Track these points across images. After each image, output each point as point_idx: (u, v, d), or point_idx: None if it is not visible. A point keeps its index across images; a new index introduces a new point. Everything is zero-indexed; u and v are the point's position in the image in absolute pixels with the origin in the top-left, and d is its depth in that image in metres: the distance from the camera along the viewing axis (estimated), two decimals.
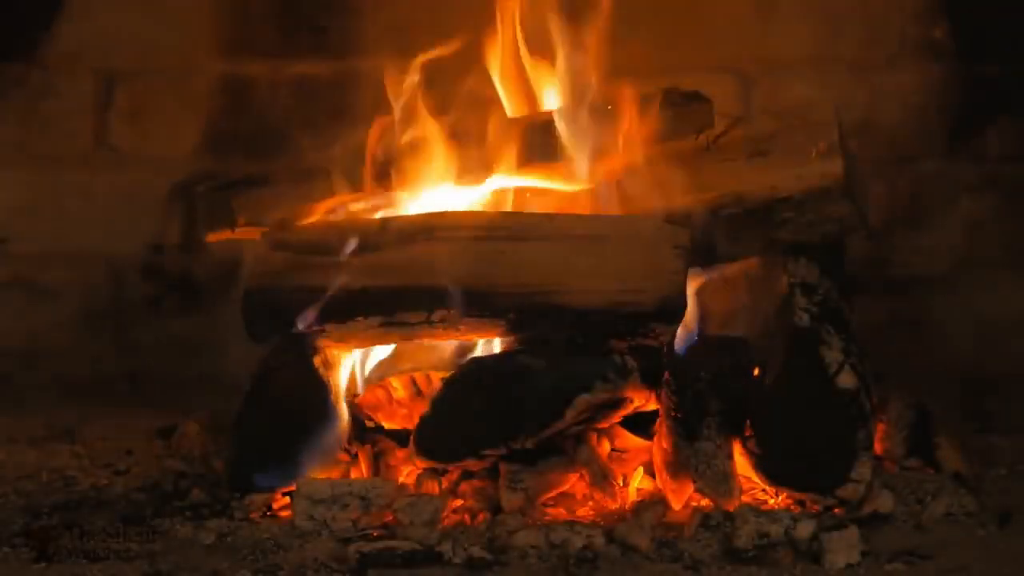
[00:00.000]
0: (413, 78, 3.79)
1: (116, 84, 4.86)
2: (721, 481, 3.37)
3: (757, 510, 3.28)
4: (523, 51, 3.88)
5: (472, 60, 3.89)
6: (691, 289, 3.54)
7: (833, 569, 3.09)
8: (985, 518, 3.36)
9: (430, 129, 3.80)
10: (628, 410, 3.48)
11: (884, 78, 4.79)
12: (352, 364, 3.71)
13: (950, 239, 4.83)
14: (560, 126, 3.74)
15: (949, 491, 3.43)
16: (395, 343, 3.63)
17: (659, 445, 3.45)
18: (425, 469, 3.44)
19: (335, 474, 3.46)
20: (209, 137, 4.83)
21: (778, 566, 3.12)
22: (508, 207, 3.79)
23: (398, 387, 3.62)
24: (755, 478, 3.45)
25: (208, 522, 3.36)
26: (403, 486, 3.42)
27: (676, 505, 3.39)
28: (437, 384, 3.50)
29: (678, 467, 3.40)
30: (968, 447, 3.75)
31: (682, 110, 3.75)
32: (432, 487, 3.42)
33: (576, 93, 3.84)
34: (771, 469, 3.41)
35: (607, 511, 3.41)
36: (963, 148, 4.82)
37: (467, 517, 3.36)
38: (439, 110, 3.86)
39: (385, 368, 3.69)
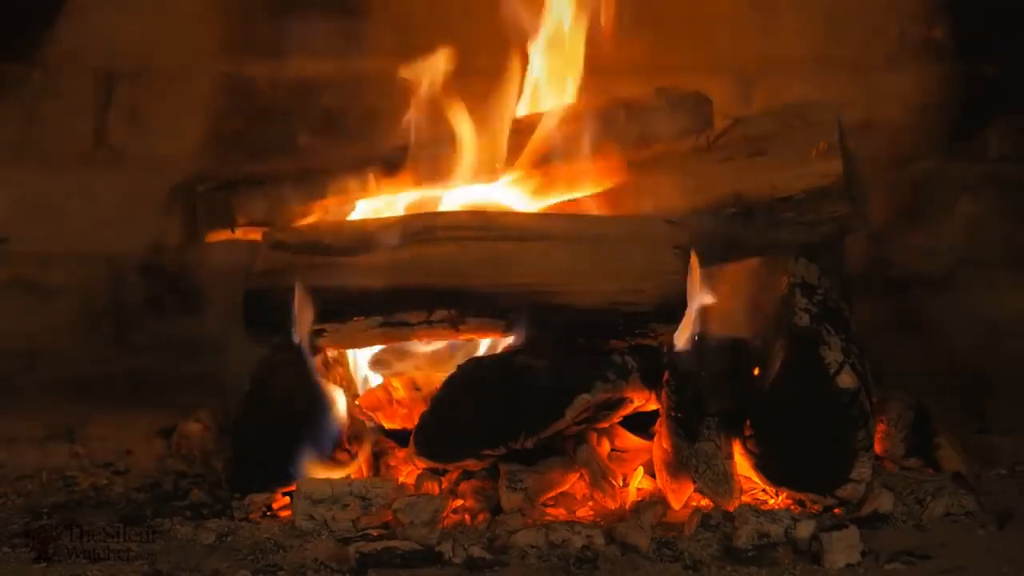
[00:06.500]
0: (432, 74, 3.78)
1: (116, 84, 4.85)
2: (721, 481, 3.37)
3: (757, 510, 3.28)
4: (527, 53, 3.89)
5: (477, 62, 3.89)
6: (691, 289, 3.54)
7: (833, 569, 3.09)
8: (985, 518, 3.36)
9: (433, 129, 3.80)
10: (628, 410, 3.48)
11: (884, 78, 4.78)
12: (352, 364, 3.72)
13: (950, 239, 4.83)
14: (563, 127, 3.74)
15: (949, 491, 3.42)
16: (395, 343, 3.63)
17: (659, 445, 3.45)
18: (425, 469, 3.44)
19: (335, 474, 3.46)
20: (209, 137, 4.83)
21: (778, 566, 3.12)
22: (508, 207, 3.79)
23: (398, 387, 3.62)
24: (755, 478, 3.45)
25: (208, 522, 3.36)
26: (403, 486, 3.42)
27: (676, 505, 3.39)
28: (437, 384, 3.50)
29: (678, 467, 3.39)
30: (968, 447, 3.75)
31: (681, 110, 3.75)
32: (432, 487, 3.42)
33: (578, 94, 3.85)
34: (771, 469, 3.41)
35: (607, 511, 3.41)
36: (963, 148, 4.82)
37: (467, 517, 3.36)
38: (442, 109, 3.87)
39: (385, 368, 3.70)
